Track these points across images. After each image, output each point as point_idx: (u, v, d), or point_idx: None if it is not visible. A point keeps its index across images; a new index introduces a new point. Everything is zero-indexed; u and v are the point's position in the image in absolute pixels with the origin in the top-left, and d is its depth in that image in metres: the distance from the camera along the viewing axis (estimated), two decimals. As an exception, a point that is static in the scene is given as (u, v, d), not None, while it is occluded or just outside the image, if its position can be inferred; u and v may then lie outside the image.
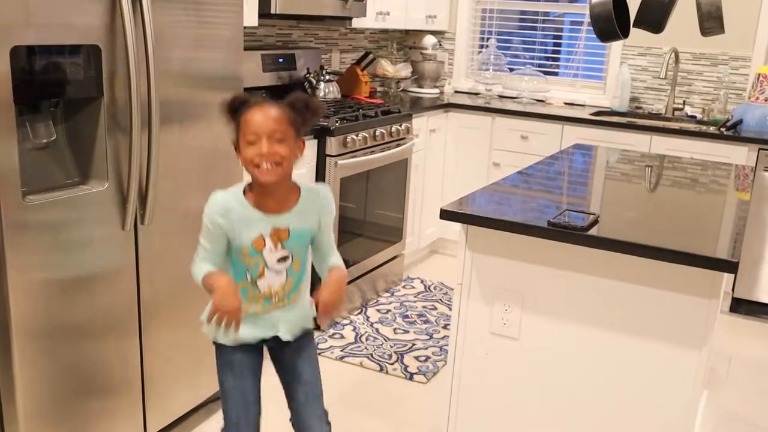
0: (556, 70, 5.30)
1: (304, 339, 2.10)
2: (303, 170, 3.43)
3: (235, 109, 1.86)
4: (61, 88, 2.12)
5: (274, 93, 4.03)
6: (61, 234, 2.13)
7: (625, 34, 2.92)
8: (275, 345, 2.06)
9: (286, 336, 2.01)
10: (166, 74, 2.39)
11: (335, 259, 2.07)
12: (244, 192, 1.92)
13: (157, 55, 2.32)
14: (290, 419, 2.13)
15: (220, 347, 2.06)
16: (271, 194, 1.91)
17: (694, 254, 1.89)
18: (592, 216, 2.14)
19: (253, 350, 2.05)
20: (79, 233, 2.18)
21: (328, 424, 2.16)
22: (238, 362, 2.04)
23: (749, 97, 4.34)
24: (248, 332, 1.98)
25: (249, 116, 1.83)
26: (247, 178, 1.93)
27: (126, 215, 2.32)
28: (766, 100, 4.25)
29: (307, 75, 4.22)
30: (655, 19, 2.93)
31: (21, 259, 2.03)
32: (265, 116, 1.83)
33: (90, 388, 2.31)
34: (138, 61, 2.25)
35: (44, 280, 2.10)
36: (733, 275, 4.16)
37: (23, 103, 2.03)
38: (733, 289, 4.25)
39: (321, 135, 3.49)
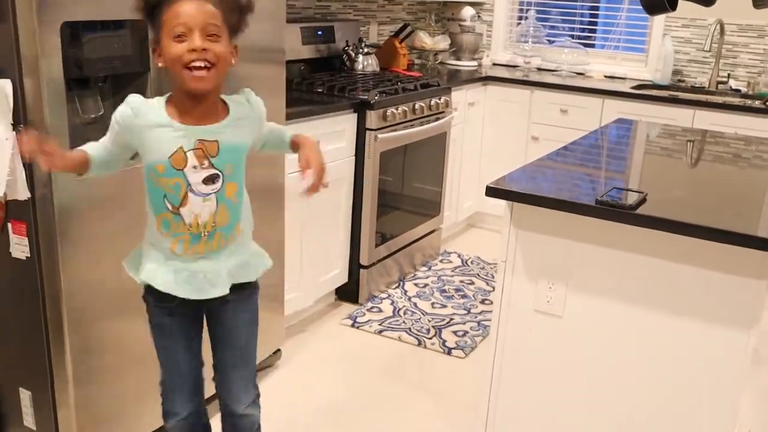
0: (595, 43, 5.22)
1: (244, 293, 1.89)
2: (342, 143, 3.43)
3: (154, 4, 1.62)
4: (109, 65, 2.13)
5: (314, 66, 4.04)
6: (110, 208, 2.16)
7: (673, 6, 2.86)
8: (210, 305, 1.87)
9: (221, 289, 1.80)
10: (210, 49, 2.39)
11: (285, 130, 1.94)
12: (166, 103, 1.71)
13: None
14: (213, 378, 2.00)
15: (147, 302, 1.89)
16: (197, 104, 1.69)
17: (743, 234, 1.87)
18: (639, 195, 2.12)
19: (187, 307, 1.84)
20: (127, 207, 2.20)
21: (257, 392, 2.02)
22: (168, 324, 1.89)
23: (796, 71, 4.24)
24: (173, 284, 1.78)
25: (177, 7, 1.59)
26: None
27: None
28: (814, 74, 4.15)
29: (346, 48, 4.21)
30: (705, -9, 2.87)
31: (72, 233, 2.06)
32: (197, 8, 1.59)
33: (136, 361, 2.34)
34: (185, 34, 2.25)
35: (93, 253, 2.13)
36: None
37: (73, 78, 2.05)
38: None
39: (360, 108, 3.48)
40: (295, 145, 1.94)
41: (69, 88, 2.02)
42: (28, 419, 2.31)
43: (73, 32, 2.00)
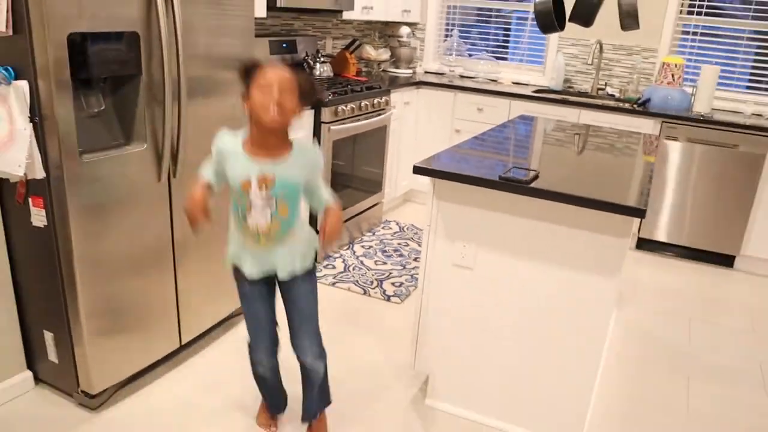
0: (506, 56, 5.26)
1: (304, 276, 1.98)
2: (301, 134, 3.40)
3: (250, 70, 1.72)
4: (108, 67, 2.08)
5: (280, 72, 3.99)
6: (111, 185, 2.12)
7: (562, 27, 2.90)
8: (279, 281, 1.99)
9: (282, 274, 1.93)
10: (192, 57, 2.35)
11: (328, 198, 1.94)
12: (244, 140, 1.80)
13: (185, 41, 2.28)
14: (290, 339, 2.08)
15: (237, 281, 2.00)
16: (265, 143, 1.77)
17: (612, 203, 1.92)
18: (533, 172, 2.16)
19: (261, 283, 1.98)
20: (124, 184, 2.17)
21: (321, 347, 2.08)
22: (248, 294, 1.99)
23: (656, 81, 4.34)
24: (248, 267, 1.91)
25: (265, 71, 1.69)
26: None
27: (161, 170, 2.31)
28: (668, 84, 4.26)
29: (306, 57, 4.16)
30: (585, 15, 2.91)
31: (80, 206, 2.02)
32: (279, 73, 1.70)
33: (138, 307, 2.32)
34: (170, 45, 2.21)
35: (98, 222, 2.10)
36: (641, 220, 4.23)
37: (78, 79, 2.00)
38: (639, 231, 4.32)
39: (317, 106, 3.46)
40: (326, 210, 1.96)
41: (75, 87, 1.97)
42: (52, 355, 2.29)
43: (78, 41, 1.94)
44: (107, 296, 2.19)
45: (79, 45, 1.95)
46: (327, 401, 2.24)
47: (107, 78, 2.16)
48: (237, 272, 1.99)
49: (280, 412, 2.33)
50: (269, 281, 2.00)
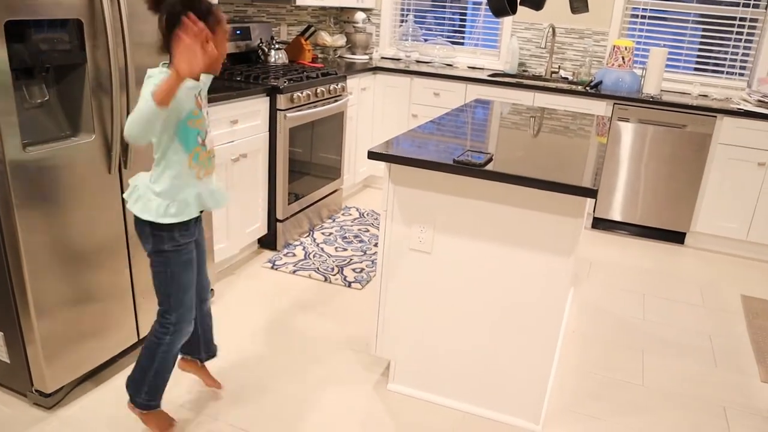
0: (462, 41, 5.25)
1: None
2: (258, 121, 3.34)
3: (205, 14, 1.71)
4: (50, 57, 1.99)
5: (234, 59, 3.91)
6: (58, 178, 2.04)
7: (514, 11, 2.90)
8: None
9: (220, 204, 1.95)
10: (140, 45, 2.27)
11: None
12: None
13: (131, 28, 2.20)
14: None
15: (173, 251, 1.88)
16: None
17: (566, 184, 1.93)
18: (488, 155, 2.15)
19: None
20: (73, 177, 2.09)
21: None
22: (191, 258, 1.94)
23: (607, 64, 4.39)
24: (194, 209, 1.88)
25: (221, 18, 1.75)
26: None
27: (111, 161, 2.23)
28: (619, 66, 4.31)
29: (260, 44, 4.08)
30: (536, 0, 2.92)
31: (26, 200, 1.94)
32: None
33: (92, 301, 2.25)
34: (115, 33, 2.13)
35: (46, 216, 2.02)
36: (594, 200, 4.30)
37: (18, 69, 1.91)
38: (594, 210, 4.39)
39: (272, 93, 3.40)
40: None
41: (16, 77, 1.88)
42: (3, 355, 2.20)
43: (17, 30, 1.85)
44: (59, 292, 2.12)
45: (18, 33, 1.86)
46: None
47: (50, 67, 2.07)
48: (177, 231, 1.87)
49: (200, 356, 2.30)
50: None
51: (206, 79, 1.90)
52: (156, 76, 1.69)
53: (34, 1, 1.85)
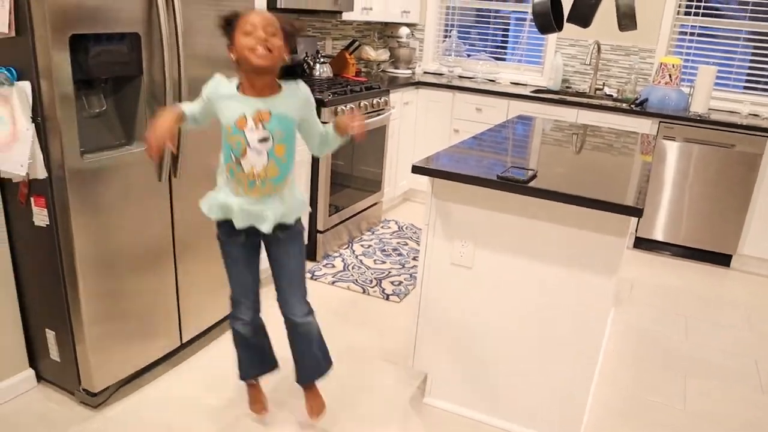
0: (504, 56, 5.26)
1: (294, 237, 2.00)
2: (303, 135, 3.40)
3: (231, 19, 1.75)
4: (110, 68, 2.08)
5: (281, 72, 3.99)
6: (112, 185, 2.12)
7: (560, 27, 2.90)
8: (264, 238, 1.99)
9: (267, 226, 1.90)
10: (193, 57, 2.35)
11: (327, 128, 1.99)
12: (237, 86, 1.84)
13: (185, 41, 2.28)
14: (276, 298, 2.09)
15: (219, 238, 2.01)
16: (257, 86, 1.80)
17: (609, 202, 1.92)
18: (531, 172, 2.16)
19: (245, 243, 1.99)
20: (126, 184, 2.17)
21: (308, 305, 2.10)
22: (234, 254, 2.01)
23: (653, 81, 4.34)
24: (236, 217, 1.90)
25: (247, 16, 1.73)
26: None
27: (162, 170, 2.31)
28: (665, 84, 4.26)
29: (306, 58, 4.16)
30: (583, 16, 2.91)
31: (81, 205, 2.02)
32: (262, 15, 1.73)
33: (138, 308, 2.32)
34: (170, 46, 2.21)
35: (99, 220, 2.10)
36: (638, 219, 4.24)
37: (79, 80, 2.00)
38: (636, 230, 4.33)
39: (317, 106, 3.45)
40: (337, 126, 1.98)
41: (77, 88, 1.97)
42: (54, 353, 2.29)
43: (80, 43, 1.94)
44: (108, 295, 2.19)
45: (81, 46, 1.95)
46: (329, 361, 2.24)
47: (108, 79, 2.16)
48: (221, 228, 2.00)
49: (262, 373, 2.30)
50: (254, 238, 2.00)
51: (277, 106, 1.82)
52: (214, 83, 1.86)
53: (98, 16, 1.94)
